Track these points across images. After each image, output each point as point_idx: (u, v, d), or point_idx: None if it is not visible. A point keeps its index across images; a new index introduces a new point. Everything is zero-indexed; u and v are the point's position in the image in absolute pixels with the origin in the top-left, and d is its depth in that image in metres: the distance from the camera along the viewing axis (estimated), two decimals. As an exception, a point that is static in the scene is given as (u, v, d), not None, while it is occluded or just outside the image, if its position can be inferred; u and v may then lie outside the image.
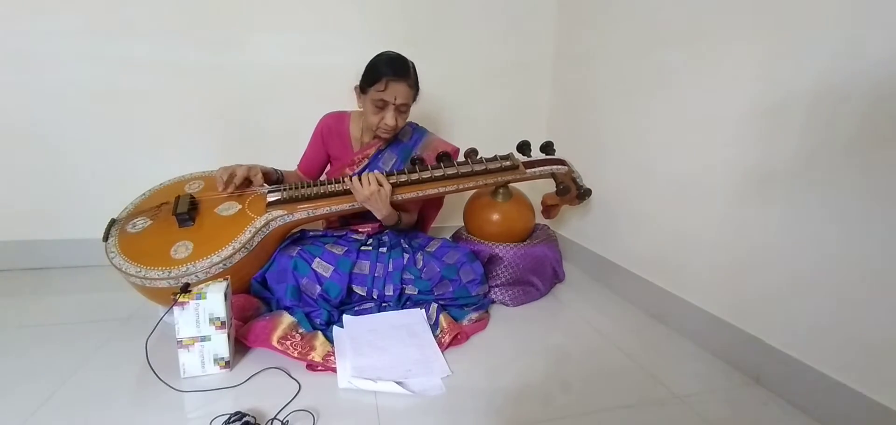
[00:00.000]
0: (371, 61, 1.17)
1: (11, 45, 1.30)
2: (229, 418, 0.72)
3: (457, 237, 1.41)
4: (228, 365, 0.88)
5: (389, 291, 1.13)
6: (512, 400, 0.84)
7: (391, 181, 1.13)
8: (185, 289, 0.86)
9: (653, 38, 1.20)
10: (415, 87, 1.19)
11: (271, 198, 1.12)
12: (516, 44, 1.70)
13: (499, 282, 1.26)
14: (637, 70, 1.27)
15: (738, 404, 0.85)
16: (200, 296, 0.84)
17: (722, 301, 1.01)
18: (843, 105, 0.76)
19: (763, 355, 0.90)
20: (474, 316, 1.12)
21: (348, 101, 1.27)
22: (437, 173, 1.17)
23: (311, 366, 0.90)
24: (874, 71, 0.72)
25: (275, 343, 0.92)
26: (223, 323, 0.86)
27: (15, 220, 1.39)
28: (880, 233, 0.71)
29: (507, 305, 1.25)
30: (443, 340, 1.00)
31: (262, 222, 1.06)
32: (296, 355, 0.91)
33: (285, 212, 1.09)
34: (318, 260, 1.10)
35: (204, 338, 0.85)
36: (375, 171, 1.13)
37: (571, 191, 1.29)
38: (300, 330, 0.98)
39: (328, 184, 1.14)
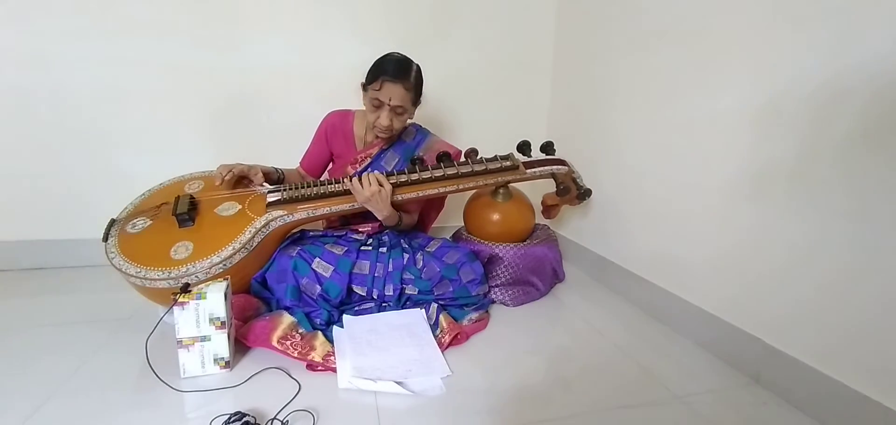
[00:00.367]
0: (376, 60, 1.18)
1: (11, 45, 1.30)
2: (229, 418, 0.72)
3: (457, 237, 1.41)
4: (228, 365, 0.88)
5: (389, 291, 1.13)
6: (512, 400, 0.84)
7: (392, 181, 1.13)
8: (185, 288, 0.86)
9: (653, 38, 1.20)
10: (413, 90, 1.18)
11: (271, 198, 1.12)
12: (516, 44, 1.70)
13: (499, 282, 1.26)
14: (637, 70, 1.27)
15: (737, 404, 0.85)
16: (200, 296, 0.84)
17: (722, 300, 1.01)
18: (843, 104, 0.76)
19: (763, 355, 0.90)
20: (474, 316, 1.12)
21: (347, 102, 1.27)
22: (438, 173, 1.17)
23: (311, 366, 0.90)
24: (874, 70, 0.72)
25: (275, 343, 0.92)
26: (223, 323, 0.86)
27: (15, 220, 1.39)
28: (882, 233, 0.71)
29: (507, 305, 1.25)
30: (443, 340, 1.00)
31: (262, 222, 1.06)
32: (296, 355, 0.91)
33: (285, 213, 1.09)
34: (318, 260, 1.10)
35: (204, 338, 0.85)
36: (376, 172, 1.13)
37: (572, 191, 1.29)
38: (300, 330, 0.98)
39: (328, 184, 1.14)
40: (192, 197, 1.10)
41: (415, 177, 1.15)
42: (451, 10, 1.61)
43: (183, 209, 1.04)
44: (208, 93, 1.46)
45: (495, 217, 1.30)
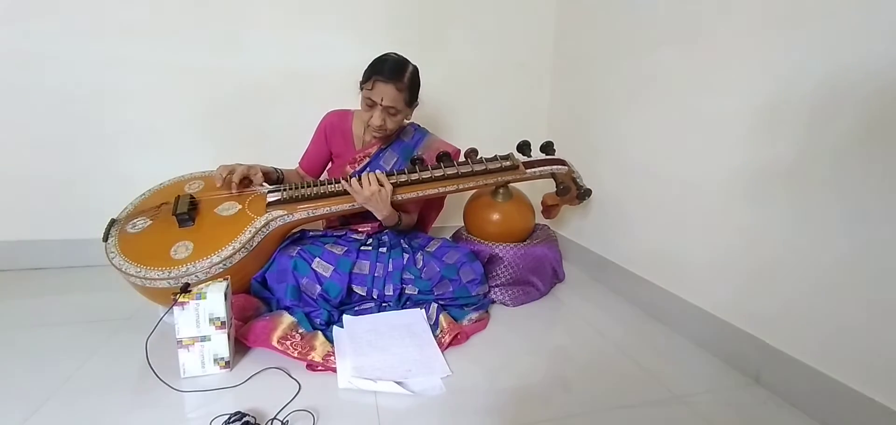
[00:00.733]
0: (372, 60, 1.18)
1: (11, 46, 1.30)
2: (229, 418, 0.72)
3: (457, 237, 1.41)
4: (228, 365, 0.88)
5: (389, 291, 1.13)
6: (512, 400, 0.84)
7: (392, 181, 1.13)
8: (185, 288, 0.86)
9: (653, 38, 1.20)
10: (407, 91, 1.16)
11: (271, 198, 1.12)
12: (516, 44, 1.70)
13: (499, 282, 1.26)
14: (637, 70, 1.27)
15: (738, 404, 0.85)
16: (200, 296, 0.84)
17: (722, 300, 1.01)
18: (841, 105, 0.76)
19: (763, 355, 0.90)
20: (474, 316, 1.12)
21: (347, 102, 1.27)
22: (438, 173, 1.17)
23: (311, 366, 0.90)
24: (871, 71, 0.72)
25: (275, 343, 0.92)
26: (223, 323, 0.86)
27: (15, 220, 1.39)
28: (882, 233, 0.71)
29: (507, 305, 1.25)
30: (443, 340, 1.00)
31: (262, 222, 1.06)
32: (296, 355, 0.91)
33: (285, 212, 1.09)
34: (318, 260, 1.10)
35: (204, 338, 0.85)
36: (376, 171, 1.13)
37: (572, 191, 1.29)
38: (300, 330, 0.98)
39: (328, 184, 1.14)
40: (192, 197, 1.10)
41: (415, 176, 1.15)
42: (452, 9, 1.61)
43: (183, 209, 1.04)
44: (208, 93, 1.46)
45: (495, 217, 1.30)
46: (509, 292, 1.26)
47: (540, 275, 1.30)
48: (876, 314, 0.73)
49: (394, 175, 1.15)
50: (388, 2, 1.55)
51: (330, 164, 1.37)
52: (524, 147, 1.25)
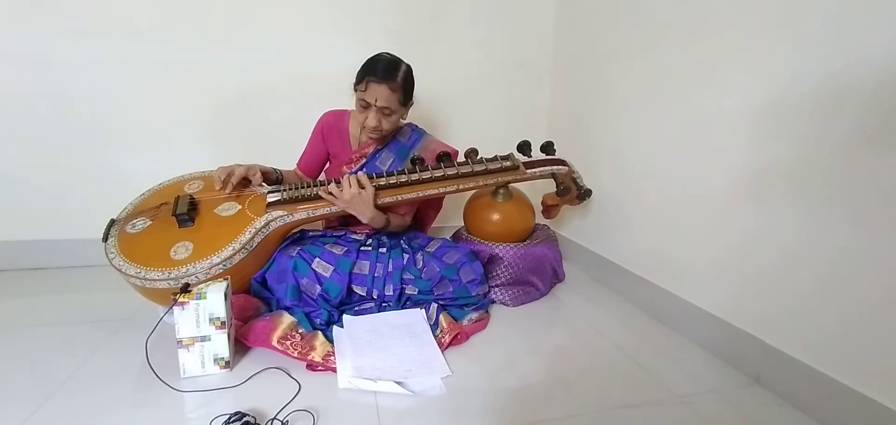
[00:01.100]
0: (365, 61, 1.17)
1: (11, 46, 1.30)
2: (229, 418, 0.72)
3: (457, 237, 1.41)
4: (228, 365, 0.88)
5: (389, 291, 1.13)
6: (512, 400, 0.84)
7: (382, 182, 1.12)
8: (185, 289, 0.86)
9: (652, 38, 1.20)
10: (401, 91, 1.15)
11: (271, 198, 1.12)
12: (516, 44, 1.70)
13: (499, 282, 1.26)
14: (637, 70, 1.27)
15: (738, 404, 0.85)
16: (200, 296, 0.84)
17: (722, 300, 1.01)
18: (842, 105, 0.76)
19: (763, 355, 0.90)
20: (474, 316, 1.12)
21: (346, 102, 1.27)
22: (438, 173, 1.17)
23: (311, 366, 0.90)
24: (872, 71, 0.72)
25: (275, 343, 0.92)
26: (223, 323, 0.86)
27: (15, 220, 1.39)
28: (882, 233, 0.71)
29: (507, 305, 1.25)
30: (443, 340, 1.00)
31: (262, 223, 1.06)
32: (296, 355, 0.91)
33: (285, 213, 1.09)
34: (317, 260, 1.09)
35: (204, 338, 0.85)
36: (359, 174, 1.12)
37: (572, 191, 1.29)
38: (300, 330, 0.98)
39: (328, 184, 1.14)
40: (191, 197, 1.10)
41: (415, 177, 1.15)
42: (451, 9, 1.61)
43: (183, 209, 1.04)
44: (208, 93, 1.46)
45: (495, 217, 1.30)
46: (509, 292, 1.26)
47: (540, 275, 1.30)
48: (876, 314, 0.73)
49: (394, 175, 1.14)
50: (389, 1, 1.54)
51: (328, 165, 1.37)
52: (524, 147, 1.25)
